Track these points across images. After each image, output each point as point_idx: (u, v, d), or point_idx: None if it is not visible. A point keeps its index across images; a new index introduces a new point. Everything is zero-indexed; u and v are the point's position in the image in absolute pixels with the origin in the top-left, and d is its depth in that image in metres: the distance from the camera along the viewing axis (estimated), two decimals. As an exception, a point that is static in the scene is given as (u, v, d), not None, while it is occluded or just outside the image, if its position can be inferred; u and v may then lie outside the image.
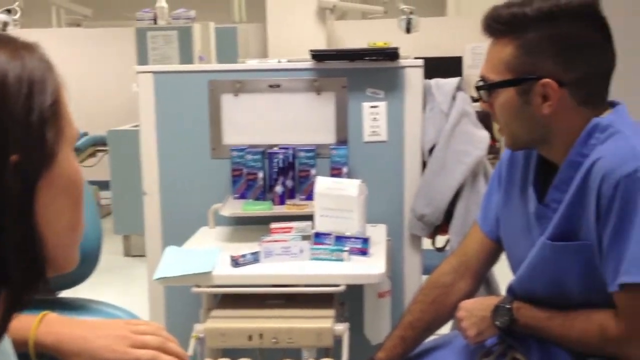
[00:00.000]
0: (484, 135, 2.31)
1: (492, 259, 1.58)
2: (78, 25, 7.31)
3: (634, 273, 1.16)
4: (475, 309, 1.41)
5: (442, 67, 4.91)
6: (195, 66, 3.39)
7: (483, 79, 1.34)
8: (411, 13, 4.67)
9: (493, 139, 1.85)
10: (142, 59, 4.63)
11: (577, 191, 1.25)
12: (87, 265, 1.03)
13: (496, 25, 1.30)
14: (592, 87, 1.28)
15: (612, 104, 1.33)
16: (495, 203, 1.53)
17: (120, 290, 4.00)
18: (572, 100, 1.26)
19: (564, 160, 1.30)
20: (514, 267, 1.44)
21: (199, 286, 1.89)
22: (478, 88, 1.35)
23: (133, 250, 4.65)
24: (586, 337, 1.25)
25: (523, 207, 1.41)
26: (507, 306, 1.35)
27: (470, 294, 1.56)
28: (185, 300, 2.30)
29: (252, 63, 2.46)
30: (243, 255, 1.90)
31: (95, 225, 1.03)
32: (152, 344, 0.97)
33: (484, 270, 1.59)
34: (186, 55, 4.59)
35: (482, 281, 1.61)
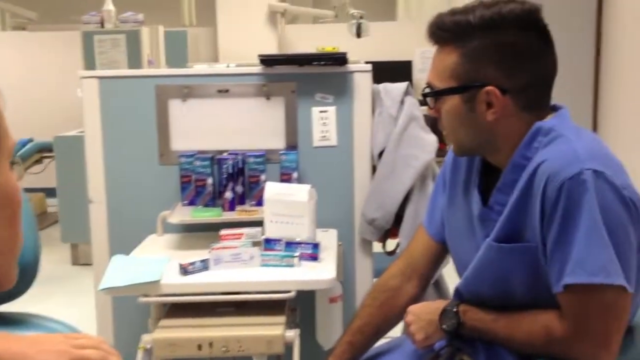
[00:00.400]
0: (432, 139, 2.34)
1: (438, 261, 1.59)
2: (23, 28, 7.12)
3: (579, 274, 1.18)
4: (423, 312, 1.41)
5: (392, 71, 4.95)
6: (142, 71, 3.34)
7: (429, 85, 1.36)
8: (361, 17, 4.67)
9: (442, 142, 1.87)
10: (89, 63, 4.53)
11: (522, 193, 1.26)
12: (24, 280, 1.00)
13: (440, 32, 1.31)
14: (534, 94, 1.31)
15: (555, 108, 1.35)
16: (440, 205, 1.54)
17: (67, 300, 3.90)
18: (515, 107, 1.29)
19: (507, 164, 1.31)
20: (459, 270, 1.46)
21: (146, 296, 1.86)
22: (424, 95, 1.37)
23: (81, 258, 4.54)
24: (531, 339, 1.26)
25: (467, 210, 1.42)
26: (454, 309, 1.36)
27: (417, 296, 1.57)
28: (134, 310, 2.25)
29: (201, 68, 2.43)
30: (192, 263, 1.88)
31: (32, 238, 0.99)
32: (93, 359, 0.94)
33: (431, 273, 1.60)
34: (135, 60, 4.52)
35: (428, 283, 1.62)
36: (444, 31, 1.30)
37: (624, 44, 2.56)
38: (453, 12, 1.31)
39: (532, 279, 1.27)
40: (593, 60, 2.71)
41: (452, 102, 1.32)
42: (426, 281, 1.59)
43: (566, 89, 2.49)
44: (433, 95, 1.34)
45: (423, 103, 1.49)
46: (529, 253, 1.26)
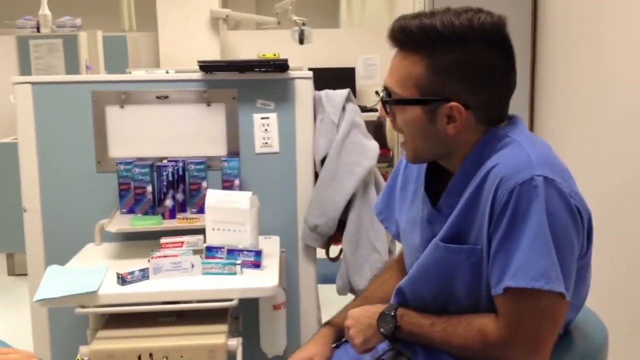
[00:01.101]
0: (374, 145, 2.36)
1: None
2: (-46, 32, 6.88)
3: (521, 278, 1.18)
4: (362, 316, 1.42)
5: (336, 78, 4.97)
6: (78, 77, 3.26)
7: (387, 90, 1.32)
8: (304, 24, 4.69)
9: (383, 148, 1.89)
10: (25, 68, 4.42)
11: (472, 196, 1.27)
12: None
13: (405, 39, 1.27)
14: (494, 109, 1.31)
15: (509, 117, 1.37)
16: (394, 206, 1.55)
17: (3, 311, 3.79)
18: (474, 120, 1.29)
19: (459, 168, 1.32)
20: (409, 269, 1.46)
21: (84, 306, 1.81)
22: (384, 102, 1.34)
23: (17, 269, 4.42)
24: (467, 343, 1.27)
25: (416, 211, 1.44)
26: (392, 313, 1.36)
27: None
28: (71, 322, 2.20)
29: (139, 73, 2.39)
30: (131, 273, 1.84)
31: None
32: (23, 374, 0.91)
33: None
34: (72, 65, 4.42)
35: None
36: (409, 38, 1.26)
37: (556, 46, 2.64)
38: (419, 16, 1.26)
39: (474, 282, 1.29)
40: (529, 63, 2.78)
41: (412, 112, 1.29)
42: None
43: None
44: (394, 103, 1.31)
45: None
46: (474, 255, 1.27)
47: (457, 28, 1.23)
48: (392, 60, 1.33)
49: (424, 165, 1.43)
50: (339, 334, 1.57)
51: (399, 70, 1.30)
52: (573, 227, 1.21)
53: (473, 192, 1.27)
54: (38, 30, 4.50)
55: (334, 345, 1.58)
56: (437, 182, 1.40)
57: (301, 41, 4.72)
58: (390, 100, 1.32)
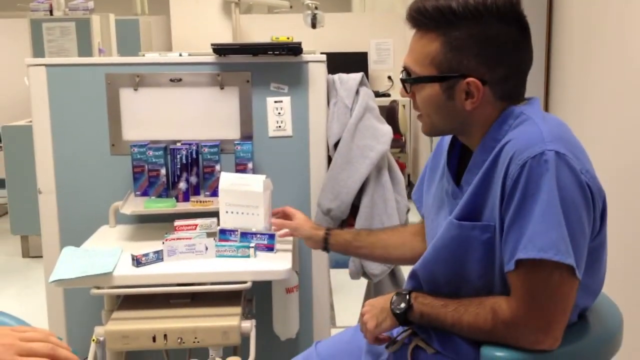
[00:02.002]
0: (387, 129, 2.35)
1: None
2: (-32, 15, 6.90)
3: (530, 249, 1.19)
4: (377, 302, 1.43)
5: (348, 62, 4.95)
6: (92, 59, 3.26)
7: (407, 70, 1.35)
8: (316, 8, 4.67)
9: (397, 133, 1.88)
10: (38, 51, 4.43)
11: (486, 172, 1.28)
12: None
13: (422, 18, 1.30)
14: (511, 84, 1.33)
15: (527, 98, 1.38)
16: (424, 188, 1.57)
17: (18, 292, 3.83)
18: (492, 96, 1.31)
19: (478, 145, 1.33)
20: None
21: (98, 287, 1.83)
22: (403, 81, 1.36)
23: (32, 251, 4.46)
24: (477, 322, 1.27)
25: (441, 190, 1.45)
26: (405, 293, 1.37)
27: (419, 252, 1.57)
28: (86, 303, 2.22)
29: (153, 56, 2.38)
30: (145, 254, 1.85)
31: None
32: (41, 351, 0.92)
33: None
34: (85, 48, 4.43)
35: None
36: (426, 17, 1.29)
37: (573, 39, 2.62)
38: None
39: (488, 261, 1.29)
40: (544, 55, 2.76)
41: (430, 90, 1.32)
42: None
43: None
44: (412, 82, 1.34)
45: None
46: (487, 232, 1.27)
47: (471, 5, 1.26)
48: (411, 40, 1.35)
49: (455, 147, 1.43)
50: (327, 232, 1.79)
51: (416, 49, 1.33)
52: (583, 204, 1.21)
53: (487, 168, 1.28)
54: (51, 14, 4.51)
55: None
56: (464, 160, 1.41)
57: (313, 25, 4.70)
58: (409, 79, 1.35)
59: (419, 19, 1.31)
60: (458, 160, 1.43)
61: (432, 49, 1.29)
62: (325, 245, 1.79)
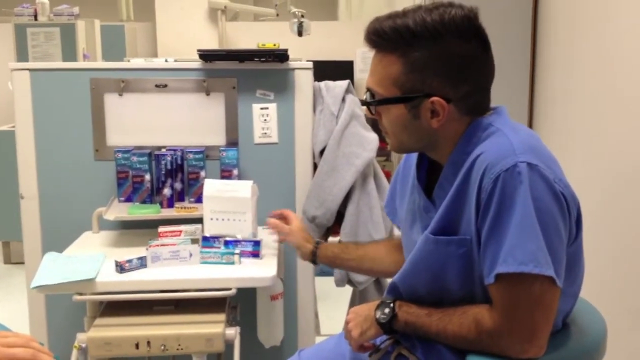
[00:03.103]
0: (373, 137, 2.35)
1: None
2: (-49, 20, 6.84)
3: (510, 263, 1.19)
4: (361, 310, 1.42)
5: (334, 70, 4.95)
6: (76, 64, 3.25)
7: (370, 91, 1.35)
8: (302, 16, 4.68)
9: (383, 141, 1.87)
10: (22, 56, 4.39)
11: (459, 186, 1.28)
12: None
13: (380, 40, 1.30)
14: (476, 99, 1.33)
15: (493, 108, 1.38)
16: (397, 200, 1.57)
17: (-1, 299, 3.78)
18: (457, 112, 1.31)
19: (447, 160, 1.34)
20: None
21: (81, 294, 1.81)
22: (367, 103, 1.36)
23: (13, 257, 4.41)
24: (462, 332, 1.27)
25: (413, 203, 1.44)
26: (389, 302, 1.37)
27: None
28: (68, 309, 2.20)
29: (138, 61, 2.37)
30: (129, 261, 1.83)
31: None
32: (23, 357, 0.91)
33: None
34: (70, 53, 4.40)
35: None
36: (384, 39, 1.29)
37: (557, 43, 2.64)
38: (392, 17, 1.29)
39: (467, 273, 1.29)
40: (529, 60, 2.78)
41: (395, 110, 1.32)
42: None
43: (503, 88, 2.54)
44: (376, 104, 1.34)
45: (364, 103, 1.50)
46: (464, 246, 1.28)
47: (429, 24, 1.25)
48: (372, 60, 1.34)
49: (423, 161, 1.44)
50: (317, 246, 1.77)
51: (377, 70, 1.32)
52: (559, 212, 1.22)
53: (460, 182, 1.28)
54: (35, 19, 4.47)
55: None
56: (434, 174, 1.41)
57: (300, 33, 4.71)
58: (373, 101, 1.34)
59: (377, 41, 1.30)
60: (427, 173, 1.43)
61: (394, 71, 1.29)
62: (314, 259, 1.78)
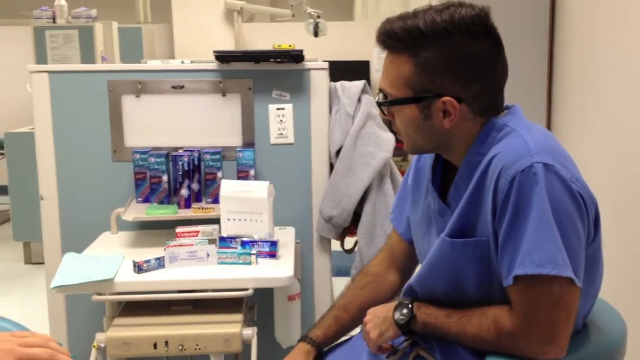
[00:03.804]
0: (389, 137, 2.35)
1: (414, 257, 1.60)
2: (-28, 23, 6.93)
3: (528, 265, 1.18)
4: (379, 311, 1.42)
5: (350, 71, 4.95)
6: (94, 66, 3.28)
7: (382, 92, 1.35)
8: (318, 17, 4.69)
9: (399, 141, 1.87)
10: (41, 58, 4.44)
11: (475, 188, 1.28)
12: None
13: (391, 41, 1.30)
14: (488, 99, 1.32)
15: (507, 107, 1.37)
16: (405, 205, 1.55)
17: (20, 299, 3.82)
18: (470, 112, 1.30)
19: (462, 160, 1.33)
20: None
21: (100, 294, 1.82)
22: (379, 104, 1.36)
23: (34, 257, 4.46)
24: (481, 333, 1.26)
25: (427, 208, 1.43)
26: (408, 304, 1.36)
27: (397, 286, 1.59)
28: (88, 309, 2.21)
29: (155, 63, 2.39)
30: (147, 261, 1.85)
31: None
32: (41, 357, 0.92)
33: (408, 267, 1.62)
34: (88, 56, 4.44)
35: (409, 275, 1.62)
36: (394, 40, 1.29)
37: (575, 43, 2.62)
38: (402, 18, 1.29)
39: (484, 275, 1.28)
40: (547, 60, 2.76)
41: (407, 111, 1.31)
42: (405, 273, 1.60)
43: (521, 88, 2.53)
44: (388, 104, 1.34)
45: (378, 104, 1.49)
46: (481, 248, 1.27)
47: (439, 24, 1.25)
48: (384, 61, 1.34)
49: (431, 159, 1.43)
50: (318, 348, 1.54)
51: (389, 71, 1.32)
52: (576, 212, 1.21)
53: (476, 184, 1.27)
54: (54, 21, 4.52)
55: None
56: (447, 176, 1.40)
57: (316, 34, 4.72)
58: (385, 102, 1.34)
59: (388, 42, 1.30)
60: (441, 176, 1.42)
61: (405, 71, 1.28)
62: (320, 351, 1.56)
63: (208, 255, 1.90)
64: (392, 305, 1.40)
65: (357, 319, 1.56)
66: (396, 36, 1.28)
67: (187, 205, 2.23)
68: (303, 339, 1.55)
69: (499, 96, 1.34)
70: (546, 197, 1.18)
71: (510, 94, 1.36)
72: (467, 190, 1.29)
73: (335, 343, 1.60)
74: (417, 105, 1.30)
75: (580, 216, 1.22)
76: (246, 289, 1.84)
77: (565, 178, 1.20)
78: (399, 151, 2.33)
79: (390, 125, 1.41)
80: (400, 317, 1.36)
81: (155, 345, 1.77)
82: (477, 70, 1.28)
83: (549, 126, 2.79)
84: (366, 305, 1.55)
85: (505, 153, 1.23)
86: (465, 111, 1.29)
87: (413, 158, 1.54)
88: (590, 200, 1.25)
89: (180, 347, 1.78)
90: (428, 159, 1.47)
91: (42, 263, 2.37)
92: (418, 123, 1.31)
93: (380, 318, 1.40)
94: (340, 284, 2.67)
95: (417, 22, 1.26)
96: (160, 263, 1.87)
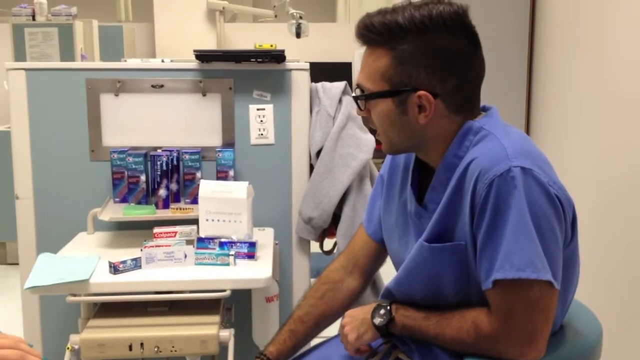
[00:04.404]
0: (370, 138, 2.34)
1: (379, 259, 1.60)
2: (-51, 20, 6.83)
3: (507, 269, 1.19)
4: (358, 313, 1.41)
5: (332, 72, 4.94)
6: (73, 64, 3.23)
7: (359, 87, 1.35)
8: (301, 18, 4.68)
9: (379, 143, 1.86)
10: (20, 56, 4.39)
11: (453, 192, 1.28)
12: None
13: (370, 34, 1.30)
14: (464, 96, 1.32)
15: (485, 109, 1.37)
16: (378, 205, 1.55)
17: (-6, 300, 3.77)
18: (446, 109, 1.30)
19: (439, 163, 1.33)
20: (396, 268, 1.46)
21: (75, 295, 1.80)
22: (356, 97, 1.36)
23: (9, 257, 4.40)
24: (460, 335, 1.27)
25: (402, 209, 1.43)
26: (386, 306, 1.36)
27: (358, 291, 1.58)
28: (62, 310, 2.19)
29: (134, 62, 2.37)
30: (123, 262, 1.83)
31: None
32: (11, 359, 0.90)
33: (372, 269, 1.61)
34: (67, 54, 4.40)
35: (370, 279, 1.62)
36: (373, 33, 1.29)
37: (555, 45, 2.63)
38: (381, 13, 1.30)
39: (463, 279, 1.29)
40: (526, 61, 2.78)
41: (383, 105, 1.31)
42: (368, 277, 1.60)
43: (501, 89, 2.54)
44: (364, 98, 1.33)
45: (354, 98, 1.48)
46: (459, 252, 1.27)
47: (417, 19, 1.26)
48: (362, 57, 1.35)
49: (412, 161, 1.43)
50: None
51: (367, 65, 1.33)
52: (554, 215, 1.21)
53: (454, 188, 1.27)
54: (33, 19, 4.47)
55: None
56: (423, 178, 1.40)
57: (298, 35, 4.71)
58: (360, 95, 1.34)
59: (367, 35, 1.31)
60: (418, 178, 1.42)
61: (382, 64, 1.29)
62: None
63: (185, 256, 1.88)
64: (370, 307, 1.39)
65: (314, 331, 1.57)
66: (375, 30, 1.29)
67: (166, 206, 2.21)
68: (258, 355, 1.53)
69: (476, 95, 1.34)
70: (524, 201, 1.18)
71: (490, 95, 1.36)
72: (444, 193, 1.29)
73: (311, 346, 1.60)
74: (393, 100, 1.30)
75: (557, 219, 1.22)
76: (224, 290, 1.82)
77: (543, 182, 1.21)
78: (379, 153, 2.33)
79: (369, 125, 1.41)
80: (379, 319, 1.35)
81: (130, 347, 1.75)
82: (453, 65, 1.28)
83: (527, 127, 2.81)
84: (324, 316, 1.56)
85: (482, 157, 1.23)
86: (441, 107, 1.29)
87: (387, 158, 1.53)
88: (567, 202, 1.26)
89: (156, 349, 1.76)
90: (402, 159, 1.46)
91: (17, 264, 2.34)
92: (394, 118, 1.31)
93: (359, 320, 1.39)
94: (319, 285, 2.67)
95: (395, 16, 1.27)
96: (136, 264, 1.85)
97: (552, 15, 2.68)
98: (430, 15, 1.26)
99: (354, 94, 1.37)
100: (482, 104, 1.37)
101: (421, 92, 1.27)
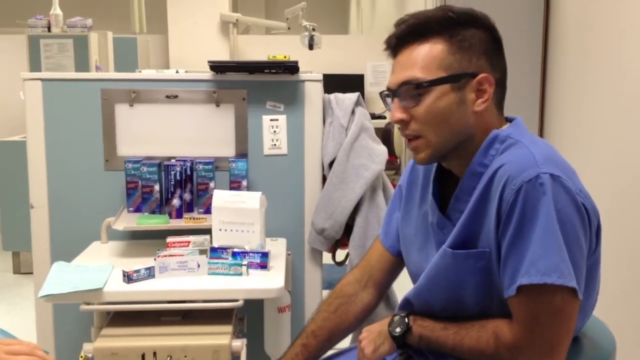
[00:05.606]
0: (382, 149, 2.35)
1: (395, 272, 1.59)
2: (-34, 31, 6.91)
3: (533, 274, 1.17)
4: (374, 326, 1.40)
5: (344, 84, 4.97)
6: (88, 74, 3.27)
7: (409, 82, 1.29)
8: (314, 30, 4.71)
9: (392, 155, 1.86)
10: (35, 67, 4.44)
11: (479, 199, 1.26)
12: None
13: (423, 26, 1.29)
14: (504, 90, 1.35)
15: (509, 119, 1.37)
16: (396, 218, 1.54)
17: (7, 309, 3.79)
18: (494, 98, 1.32)
19: (465, 171, 1.32)
20: (414, 280, 1.45)
21: (88, 303, 1.81)
22: (416, 85, 1.28)
23: (23, 267, 4.43)
24: (480, 346, 1.25)
25: (423, 220, 1.42)
26: (403, 315, 1.35)
27: (372, 305, 1.57)
28: (76, 319, 2.19)
29: (149, 72, 2.38)
30: (137, 271, 1.83)
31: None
32: (27, 365, 0.90)
33: (387, 283, 1.60)
34: (82, 65, 4.44)
35: (385, 293, 1.61)
36: (428, 25, 1.29)
37: (569, 50, 2.63)
38: (412, 16, 1.31)
39: (485, 288, 1.27)
40: (540, 67, 2.77)
41: (441, 94, 1.28)
42: (382, 290, 1.59)
43: (514, 95, 2.54)
44: (427, 84, 1.28)
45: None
46: (482, 259, 1.26)
47: (463, 12, 1.30)
48: (399, 60, 1.32)
49: (432, 171, 1.42)
50: None
51: (418, 58, 1.30)
52: (580, 224, 1.21)
53: (480, 195, 1.26)
54: (49, 30, 4.52)
55: None
56: (444, 188, 1.39)
57: (311, 47, 4.73)
58: (422, 82, 1.28)
59: (419, 29, 1.29)
60: (439, 188, 1.41)
61: (438, 53, 1.28)
62: None
63: (199, 265, 1.88)
64: (386, 320, 1.39)
65: (327, 345, 1.55)
66: (430, 20, 1.30)
67: (179, 215, 2.22)
68: None
69: (505, 91, 1.36)
70: (553, 207, 1.17)
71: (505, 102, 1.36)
72: (469, 202, 1.28)
73: (323, 357, 1.59)
74: (451, 87, 1.28)
75: (583, 228, 1.21)
76: (236, 300, 1.82)
77: (571, 189, 1.20)
78: (392, 164, 2.33)
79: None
80: (396, 329, 1.35)
81: (143, 356, 1.75)
82: (499, 53, 1.32)
83: (541, 131, 2.80)
84: (337, 330, 1.55)
85: (511, 164, 1.23)
86: (492, 96, 1.30)
87: (405, 170, 1.53)
88: (593, 211, 1.25)
89: (168, 358, 1.76)
90: (421, 170, 1.46)
91: (31, 273, 2.35)
92: (451, 109, 1.28)
93: (375, 333, 1.39)
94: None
95: (437, 12, 1.31)
96: (150, 273, 1.85)
97: (566, 18, 2.67)
98: (466, 11, 1.30)
99: (388, 96, 1.34)
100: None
101: (484, 75, 1.28)
